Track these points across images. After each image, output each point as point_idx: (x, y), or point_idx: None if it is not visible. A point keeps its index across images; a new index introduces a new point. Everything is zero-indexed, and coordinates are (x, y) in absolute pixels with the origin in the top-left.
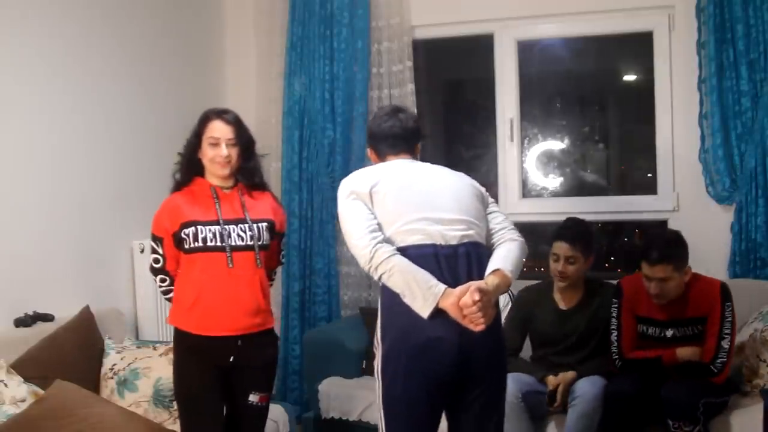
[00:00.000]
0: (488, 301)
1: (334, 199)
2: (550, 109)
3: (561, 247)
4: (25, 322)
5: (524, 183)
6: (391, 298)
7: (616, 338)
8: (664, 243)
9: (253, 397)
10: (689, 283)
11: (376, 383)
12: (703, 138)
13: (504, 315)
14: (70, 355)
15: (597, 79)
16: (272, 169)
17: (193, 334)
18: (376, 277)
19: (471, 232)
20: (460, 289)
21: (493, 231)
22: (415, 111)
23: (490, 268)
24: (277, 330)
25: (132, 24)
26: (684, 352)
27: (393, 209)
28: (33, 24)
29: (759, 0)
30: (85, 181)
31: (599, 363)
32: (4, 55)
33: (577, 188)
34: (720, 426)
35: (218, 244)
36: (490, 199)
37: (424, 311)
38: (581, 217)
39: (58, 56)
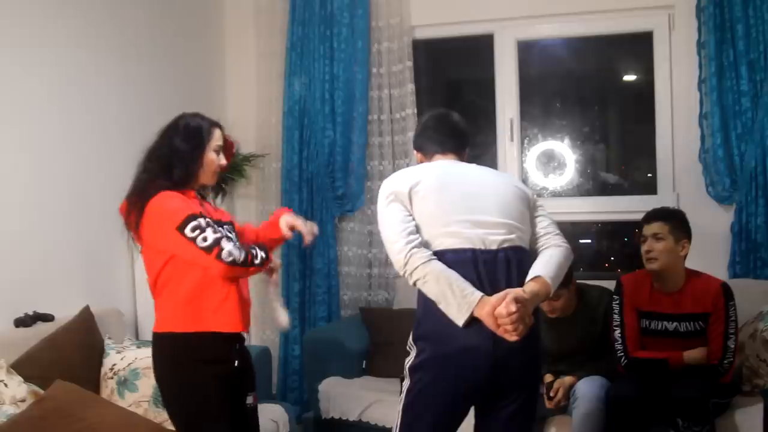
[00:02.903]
0: (525, 311)
1: (334, 199)
2: (550, 109)
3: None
4: (25, 322)
5: (524, 183)
6: (429, 302)
7: (620, 336)
8: (663, 208)
9: (249, 399)
10: (690, 277)
11: (404, 381)
12: (703, 138)
13: None
14: (70, 355)
15: (597, 79)
16: (272, 169)
17: (218, 335)
18: (411, 283)
19: (512, 236)
20: (496, 297)
21: (537, 236)
22: (415, 111)
23: (531, 274)
24: (276, 330)
25: (132, 24)
26: (690, 355)
27: (432, 211)
28: (33, 24)
29: (759, 0)
30: (85, 181)
31: (599, 365)
32: (3, 55)
33: (576, 188)
34: (721, 426)
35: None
36: (538, 203)
37: (459, 320)
38: (582, 217)
39: (57, 56)
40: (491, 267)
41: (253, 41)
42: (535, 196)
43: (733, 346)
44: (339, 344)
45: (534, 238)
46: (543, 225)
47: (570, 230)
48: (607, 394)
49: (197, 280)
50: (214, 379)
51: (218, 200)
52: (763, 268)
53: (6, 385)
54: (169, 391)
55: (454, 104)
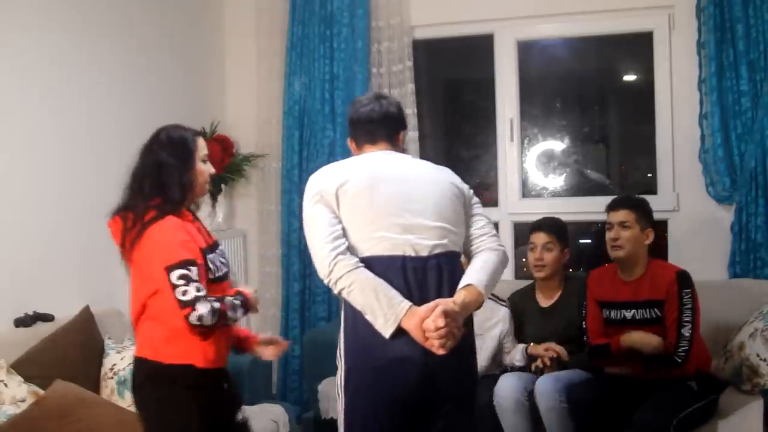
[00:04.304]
0: (455, 324)
1: None
2: (550, 109)
3: (538, 236)
4: (25, 322)
5: (524, 183)
6: (354, 312)
7: (584, 325)
8: (628, 196)
9: (240, 415)
10: (651, 265)
11: (338, 400)
12: (703, 138)
13: (505, 329)
14: (70, 355)
15: (597, 79)
16: (272, 169)
17: (204, 371)
18: (335, 292)
19: (445, 240)
20: (424, 309)
21: (472, 237)
22: (415, 111)
23: (462, 282)
24: (277, 330)
25: (132, 24)
26: (630, 338)
27: (361, 213)
28: (33, 24)
29: (759, 0)
30: (85, 181)
31: (582, 357)
32: (5, 56)
33: (575, 188)
34: (720, 426)
35: (226, 269)
36: (474, 200)
37: (386, 331)
38: (581, 217)
39: (57, 56)
40: (421, 275)
41: (253, 41)
42: (471, 192)
43: (688, 334)
44: None
45: (468, 240)
46: (478, 226)
47: (570, 230)
48: (568, 395)
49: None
50: (200, 411)
51: (218, 200)
52: (763, 268)
53: (6, 385)
54: (150, 418)
55: (454, 104)
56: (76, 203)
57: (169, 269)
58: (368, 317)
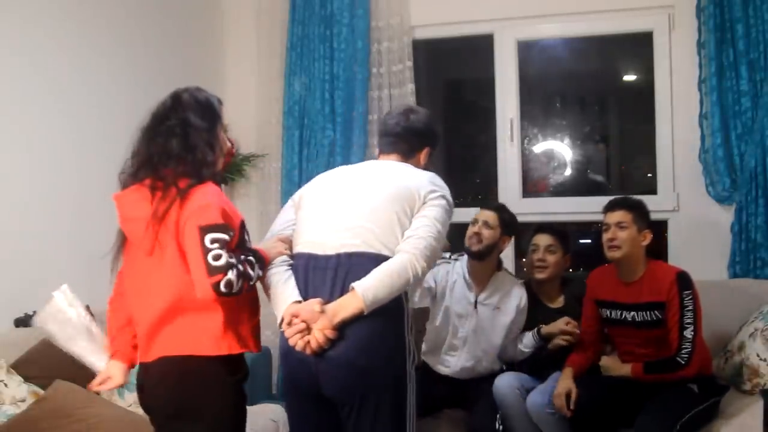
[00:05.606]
0: (313, 328)
1: None
2: (550, 109)
3: (542, 238)
4: (25, 322)
5: (524, 182)
6: None
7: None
8: (626, 197)
9: None
10: (650, 267)
11: None
12: (703, 138)
13: (524, 304)
14: (70, 355)
15: (597, 79)
16: (272, 169)
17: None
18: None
19: (356, 241)
20: (298, 307)
21: (402, 239)
22: None
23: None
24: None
25: (132, 24)
26: (605, 371)
27: (304, 215)
28: (32, 24)
29: (759, 0)
30: (85, 181)
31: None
32: (3, 53)
33: (575, 188)
34: (720, 426)
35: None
36: (432, 202)
37: (278, 323)
38: (581, 217)
39: (57, 56)
40: (321, 273)
41: (253, 41)
42: (434, 195)
43: (690, 335)
44: None
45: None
46: (413, 227)
47: (570, 230)
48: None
49: (234, 302)
50: (243, 395)
51: None
52: (763, 268)
53: (6, 385)
54: (201, 418)
55: (454, 104)
56: (77, 203)
57: (204, 230)
58: None
